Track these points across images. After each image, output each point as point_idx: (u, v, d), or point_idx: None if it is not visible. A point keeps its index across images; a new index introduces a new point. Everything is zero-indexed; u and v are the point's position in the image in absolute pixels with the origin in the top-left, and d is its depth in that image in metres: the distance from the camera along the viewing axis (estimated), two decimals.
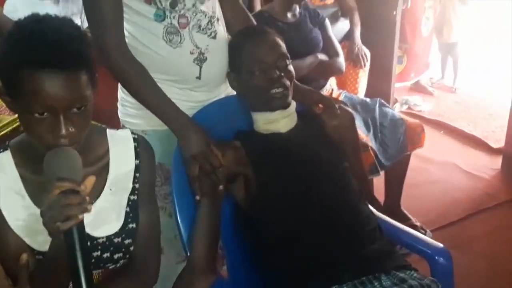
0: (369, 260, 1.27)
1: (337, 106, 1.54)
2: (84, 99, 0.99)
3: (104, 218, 1.13)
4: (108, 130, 1.21)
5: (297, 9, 2.31)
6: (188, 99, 1.48)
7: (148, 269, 1.20)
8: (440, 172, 3.19)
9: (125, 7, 1.37)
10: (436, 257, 1.41)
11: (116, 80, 1.42)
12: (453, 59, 4.79)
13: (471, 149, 3.56)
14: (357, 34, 2.78)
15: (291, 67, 1.45)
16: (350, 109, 1.59)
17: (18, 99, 0.97)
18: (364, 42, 2.79)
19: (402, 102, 4.30)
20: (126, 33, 1.38)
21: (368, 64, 2.79)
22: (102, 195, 1.14)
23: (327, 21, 2.44)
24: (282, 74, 1.41)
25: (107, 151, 1.17)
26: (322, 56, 2.33)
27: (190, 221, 1.33)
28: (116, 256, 1.15)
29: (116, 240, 1.14)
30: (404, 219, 2.46)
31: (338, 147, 1.49)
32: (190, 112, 1.43)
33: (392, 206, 2.51)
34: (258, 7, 2.85)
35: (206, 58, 1.45)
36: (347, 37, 2.81)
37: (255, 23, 1.64)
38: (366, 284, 1.21)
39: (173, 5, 1.39)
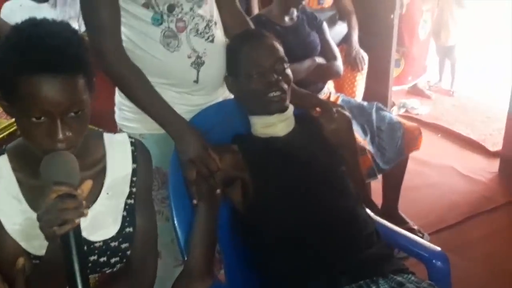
0: (366, 264, 1.27)
1: (334, 109, 1.55)
2: (82, 103, 0.99)
3: (101, 222, 1.13)
4: (105, 134, 1.21)
5: (295, 13, 2.31)
6: (186, 103, 1.48)
7: (145, 273, 1.20)
8: (438, 175, 3.20)
9: (122, 11, 1.37)
10: (434, 261, 1.41)
11: (113, 84, 1.42)
12: (450, 62, 4.80)
13: (469, 152, 3.56)
14: (355, 37, 2.79)
15: (288, 71, 1.45)
16: (347, 113, 1.59)
17: (15, 103, 0.97)
18: (361, 45, 2.79)
19: (399, 106, 4.31)
20: (123, 37, 1.38)
21: (365, 67, 2.79)
22: (99, 199, 1.14)
23: (325, 25, 2.44)
24: (280, 77, 1.41)
25: (104, 155, 1.17)
26: (320, 60, 2.33)
27: (187, 225, 1.33)
28: (113, 260, 1.15)
29: (113, 244, 1.14)
30: (402, 223, 2.46)
31: (335, 151, 1.49)
32: (187, 116, 1.43)
33: (390, 209, 2.51)
34: (255, 10, 2.85)
35: (203, 62, 1.45)
36: (345, 41, 2.81)
37: (252, 26, 1.64)
38: None
39: (170, 9, 1.39)
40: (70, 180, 0.94)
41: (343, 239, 1.30)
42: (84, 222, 0.94)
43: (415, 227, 2.51)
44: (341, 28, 2.83)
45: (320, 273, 1.25)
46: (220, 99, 1.57)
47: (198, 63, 1.45)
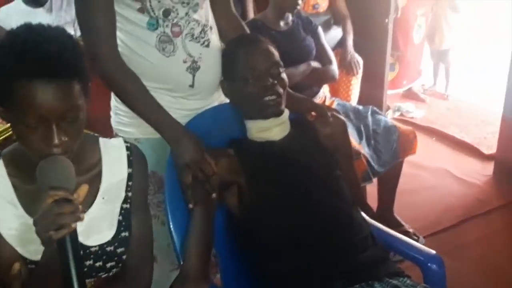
0: (362, 268, 1.27)
1: (329, 114, 1.55)
2: (77, 108, 0.99)
3: (96, 226, 1.13)
4: (100, 139, 1.21)
5: (290, 17, 2.32)
6: (181, 107, 1.48)
7: (140, 277, 1.20)
8: (433, 178, 3.21)
9: (118, 16, 1.37)
10: (429, 264, 1.41)
11: (108, 89, 1.42)
12: (445, 66, 4.82)
13: (463, 155, 3.58)
14: (350, 42, 2.80)
15: (284, 75, 1.46)
16: (342, 117, 1.59)
17: (10, 109, 0.97)
18: (356, 49, 2.80)
19: (394, 109, 4.33)
20: (118, 41, 1.39)
21: (360, 71, 2.81)
22: (94, 203, 1.14)
23: (320, 29, 2.45)
24: (275, 81, 1.42)
25: (100, 159, 1.17)
26: (315, 64, 2.34)
27: (183, 229, 1.33)
28: (108, 264, 1.14)
29: (108, 248, 1.14)
30: (397, 226, 2.47)
31: (331, 155, 1.50)
32: (183, 120, 1.44)
33: (385, 213, 2.51)
34: (251, 15, 2.86)
35: (199, 67, 1.46)
36: (340, 45, 2.83)
37: (248, 31, 1.65)
38: None
39: (166, 14, 1.39)
40: (66, 185, 0.94)
41: (338, 243, 1.30)
42: (80, 227, 0.94)
43: (410, 230, 2.51)
44: (336, 33, 2.85)
45: (315, 276, 1.25)
46: (215, 104, 1.57)
47: (193, 68, 1.45)
